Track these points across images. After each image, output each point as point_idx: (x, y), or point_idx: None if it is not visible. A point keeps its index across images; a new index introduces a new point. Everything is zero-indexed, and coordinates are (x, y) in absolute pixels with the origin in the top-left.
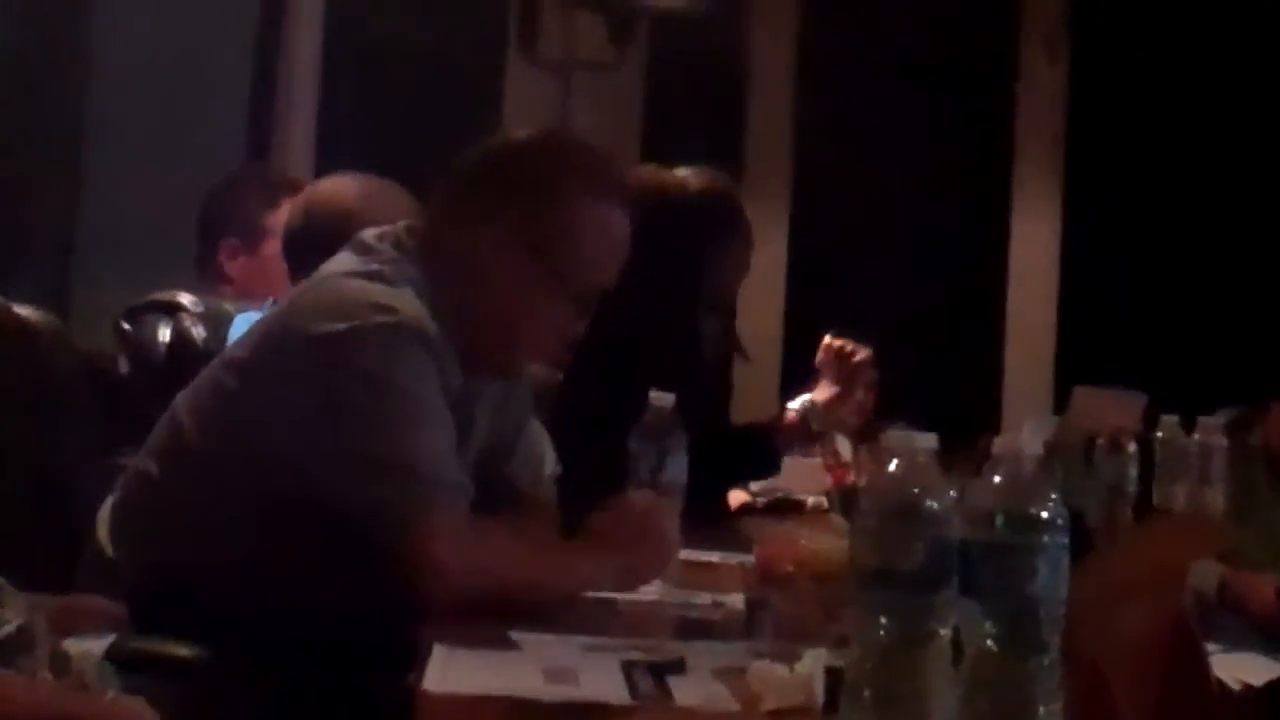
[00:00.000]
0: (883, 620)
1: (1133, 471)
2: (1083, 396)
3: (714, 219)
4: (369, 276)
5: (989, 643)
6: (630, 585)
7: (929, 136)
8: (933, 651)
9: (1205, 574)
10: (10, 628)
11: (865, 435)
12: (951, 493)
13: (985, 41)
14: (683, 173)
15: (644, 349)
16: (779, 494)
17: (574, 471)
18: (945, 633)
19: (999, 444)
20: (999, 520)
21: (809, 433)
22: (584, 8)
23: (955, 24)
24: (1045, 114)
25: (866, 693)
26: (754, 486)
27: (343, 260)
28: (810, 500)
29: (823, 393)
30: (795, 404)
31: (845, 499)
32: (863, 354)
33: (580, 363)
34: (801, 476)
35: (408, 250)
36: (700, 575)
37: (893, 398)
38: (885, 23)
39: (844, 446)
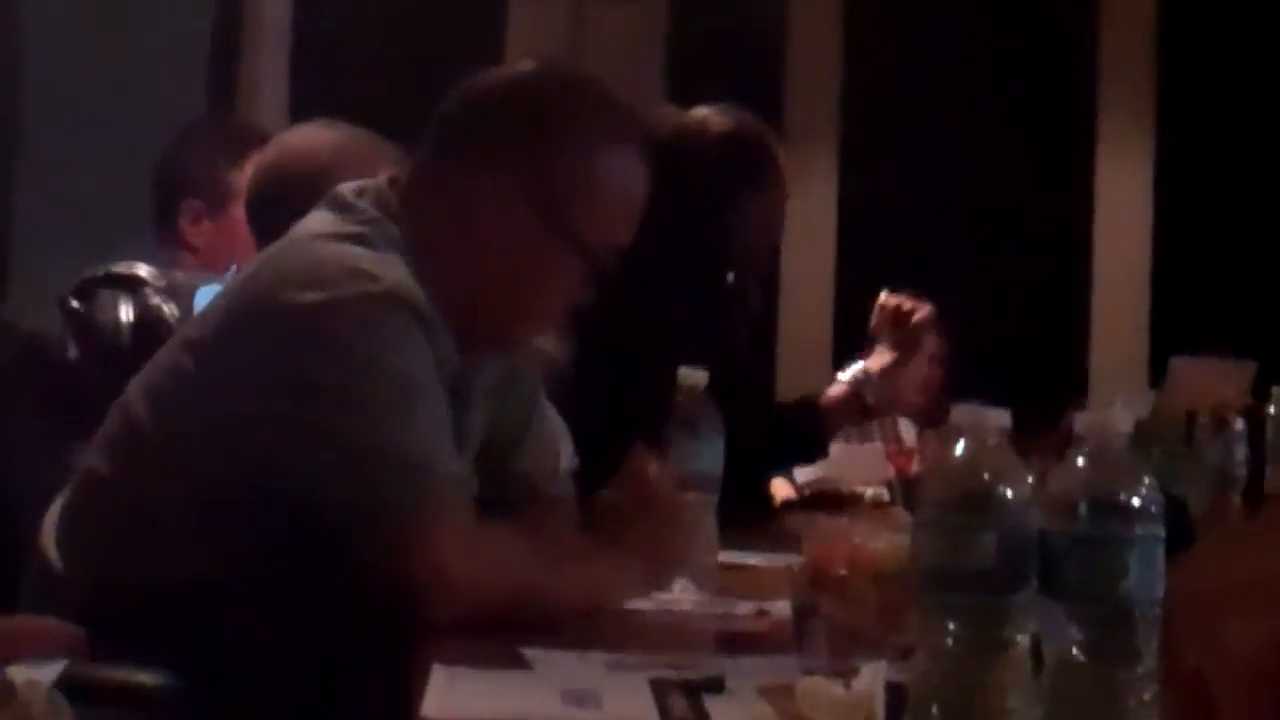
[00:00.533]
0: (951, 626)
1: (1241, 452)
2: (1181, 368)
3: (741, 165)
4: (348, 239)
5: (1074, 651)
6: (651, 586)
7: (1000, 69)
8: (1009, 661)
9: None
10: None
11: (932, 416)
12: (1029, 479)
13: None
14: (703, 113)
15: (667, 319)
16: (830, 485)
17: (596, 464)
18: (1023, 640)
19: (1083, 421)
20: (1084, 509)
21: (863, 409)
22: None
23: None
24: (1132, 47)
25: (934, 710)
26: (800, 476)
27: (317, 219)
28: (868, 492)
29: (878, 360)
30: (846, 374)
31: (908, 490)
32: (924, 312)
33: (594, 338)
34: (857, 464)
35: (391, 207)
36: (740, 580)
37: (965, 372)
38: None
39: (907, 429)
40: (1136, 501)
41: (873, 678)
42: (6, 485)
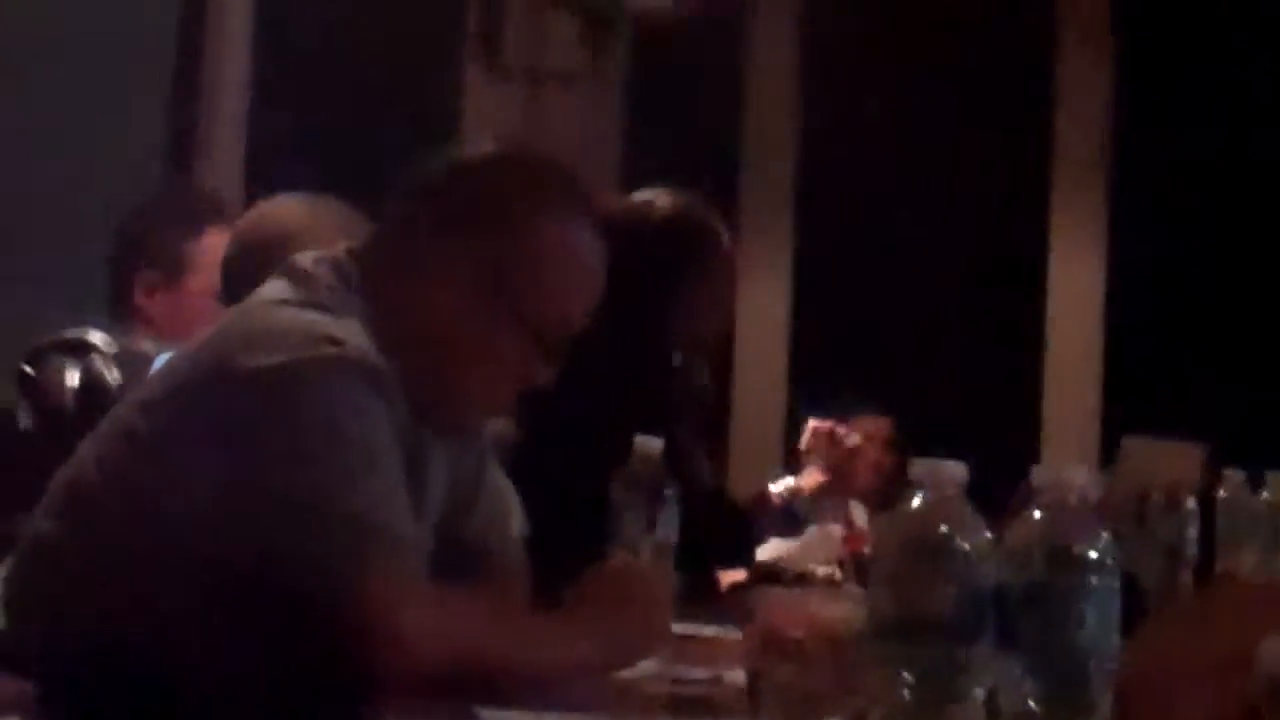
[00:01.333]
0: (907, 678)
1: (1192, 532)
2: (1134, 447)
3: (684, 248)
4: (306, 305)
5: (1030, 703)
6: (619, 662)
7: (956, 151)
8: (965, 714)
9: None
10: None
11: (885, 499)
12: (987, 533)
13: (1020, 43)
14: (649, 194)
15: (610, 397)
16: (782, 564)
17: (546, 531)
18: (980, 692)
19: (1040, 473)
20: (1039, 559)
21: (792, 519)
22: (555, 8)
23: (987, 23)
24: (1087, 124)
25: None
26: (758, 559)
27: (274, 288)
28: (820, 570)
29: (809, 480)
30: (778, 487)
31: (860, 568)
32: (853, 440)
33: (542, 408)
34: (811, 546)
35: (349, 277)
36: (695, 650)
37: (918, 452)
38: (903, 20)
39: (859, 513)
40: (1093, 553)
41: None
42: None
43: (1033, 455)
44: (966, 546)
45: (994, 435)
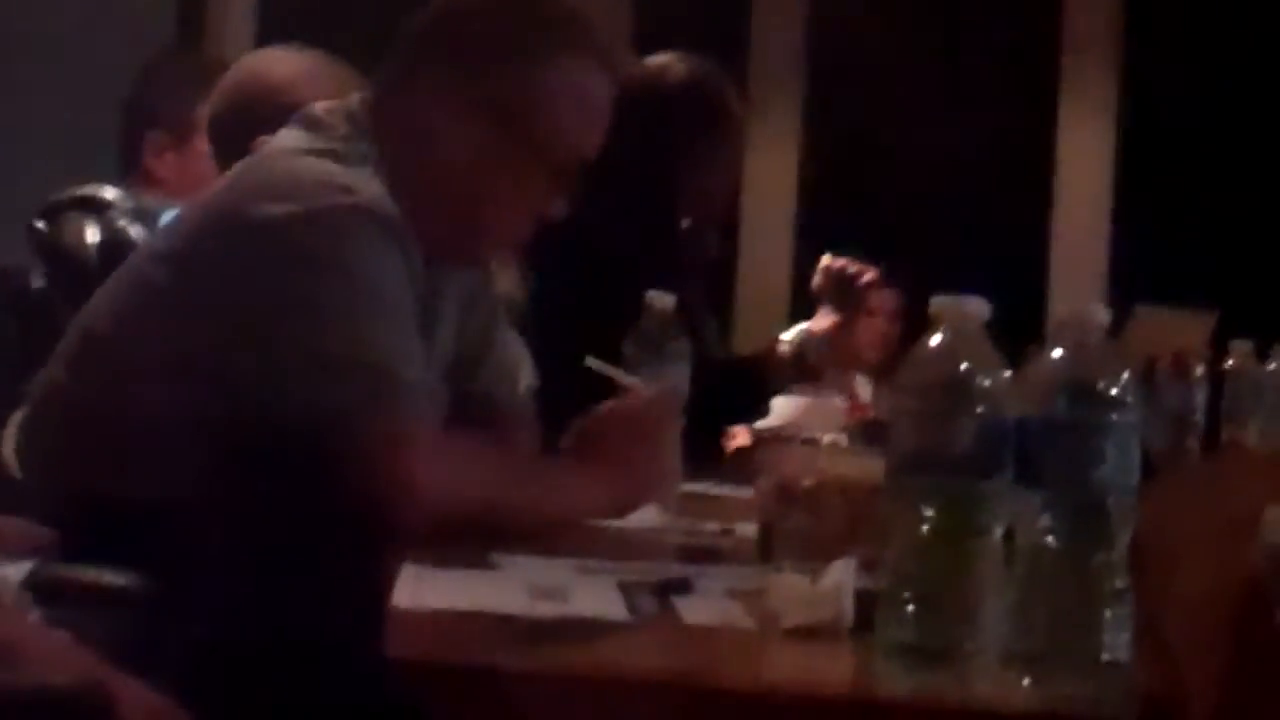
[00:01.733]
0: (926, 513)
1: (1199, 400)
2: (1143, 316)
3: (697, 113)
4: (321, 154)
5: (1048, 538)
6: (626, 506)
7: (965, 17)
8: (983, 549)
9: None
10: None
11: (889, 372)
12: (1006, 371)
13: None
14: (663, 59)
15: (619, 260)
16: (788, 431)
17: (555, 383)
18: (998, 528)
19: (1061, 313)
20: (1061, 396)
21: (805, 368)
22: None
23: None
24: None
25: (906, 598)
26: (759, 426)
27: (288, 136)
28: (826, 438)
29: (821, 322)
30: (789, 334)
31: (868, 432)
32: (869, 275)
33: (554, 262)
34: (814, 415)
35: (362, 125)
36: (704, 506)
37: (923, 326)
38: None
39: (863, 386)
40: (1114, 389)
41: (841, 573)
42: None
43: (1039, 326)
44: (987, 382)
45: (1000, 309)
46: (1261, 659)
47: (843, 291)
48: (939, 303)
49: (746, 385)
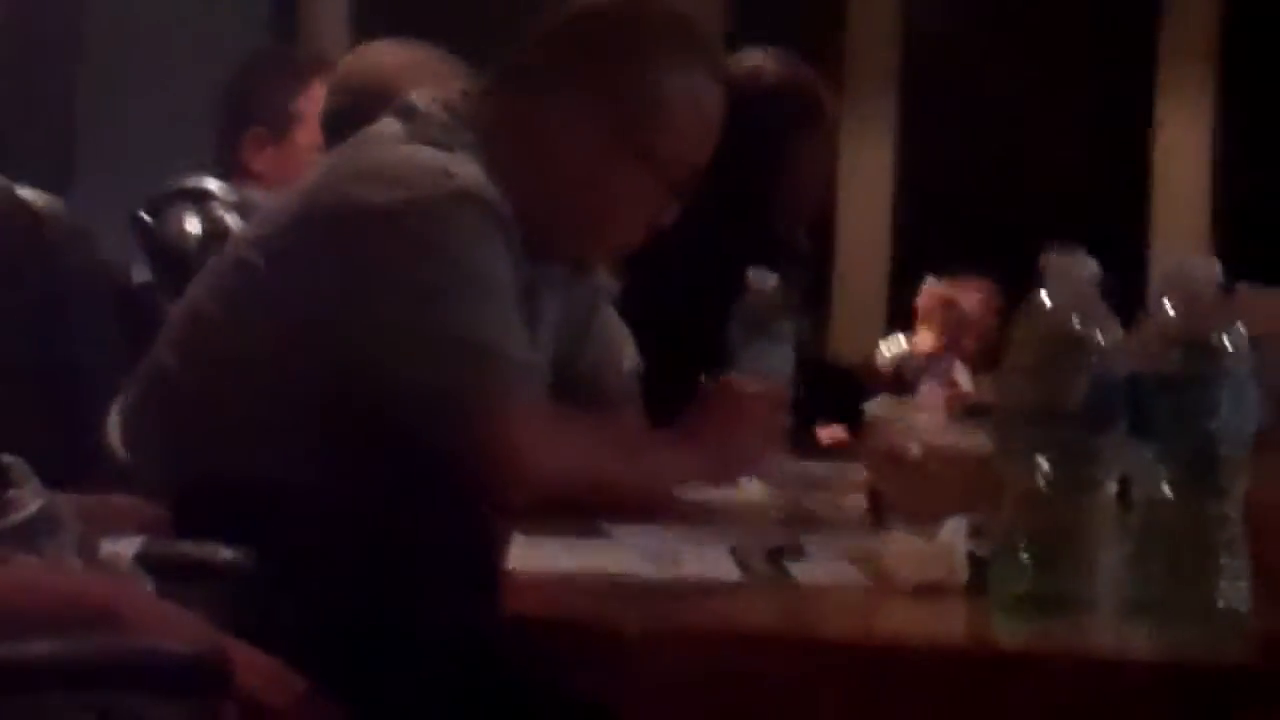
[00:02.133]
0: (1041, 467)
1: None
2: (1246, 295)
3: (791, 114)
4: (420, 141)
5: (1164, 489)
6: (728, 473)
7: (1062, 23)
8: (1098, 503)
9: None
10: (30, 509)
11: (988, 361)
12: (1119, 327)
13: None
14: (758, 59)
15: (710, 265)
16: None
17: (658, 366)
18: (1112, 480)
19: (1171, 268)
20: (1175, 351)
21: (902, 383)
22: None
23: None
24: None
25: (1022, 549)
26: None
27: (387, 125)
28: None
29: (923, 344)
30: (889, 350)
31: (971, 411)
32: (969, 304)
33: (651, 258)
34: (915, 405)
35: (464, 116)
36: (808, 481)
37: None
38: None
39: (963, 374)
40: (1227, 342)
41: (954, 531)
42: (77, 387)
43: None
44: (1100, 337)
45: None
46: None
47: (946, 316)
48: (1049, 260)
49: (844, 389)
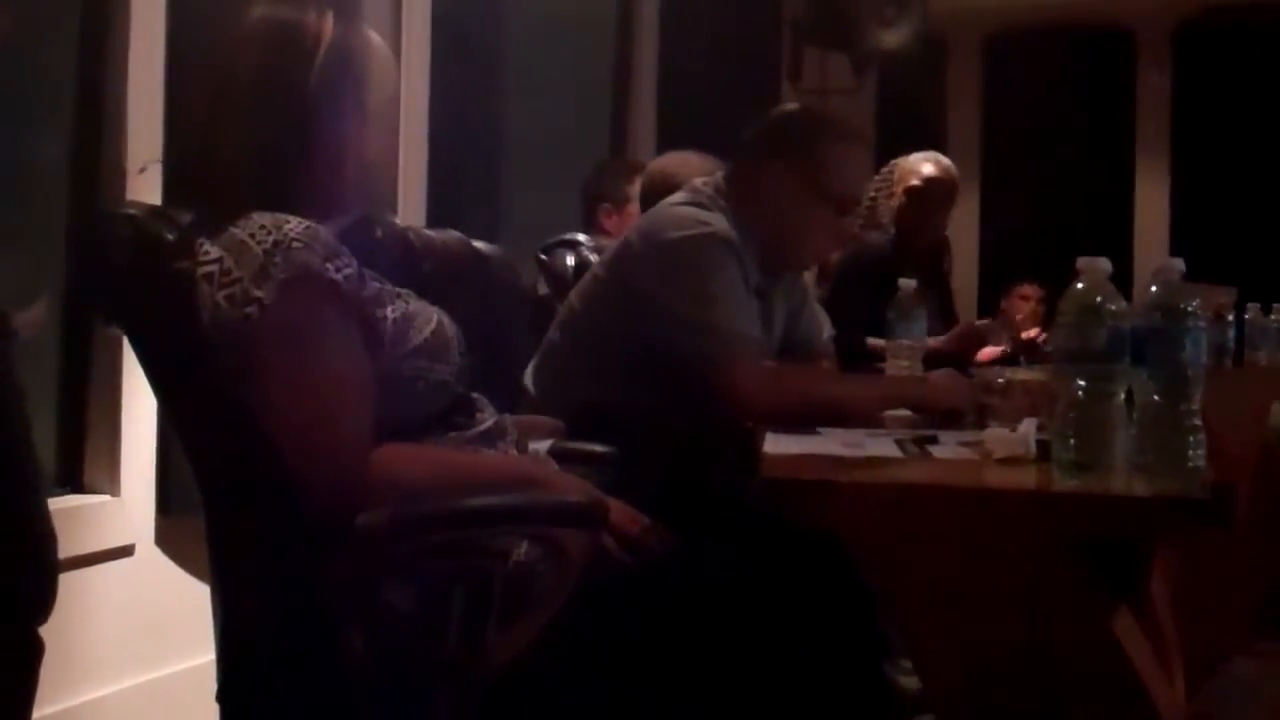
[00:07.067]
0: (1080, 383)
1: (1231, 336)
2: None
3: (937, 198)
4: (695, 206)
5: (1154, 396)
6: (931, 403)
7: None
8: (1114, 405)
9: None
10: (489, 422)
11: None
12: (1124, 300)
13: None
14: (919, 156)
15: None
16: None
17: (843, 334)
18: (1122, 391)
19: (1158, 266)
20: (1158, 312)
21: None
22: (834, 48)
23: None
24: (1157, 113)
25: (1069, 434)
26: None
27: (676, 196)
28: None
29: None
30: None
31: (1027, 349)
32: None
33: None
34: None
35: (721, 190)
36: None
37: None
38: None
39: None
40: (1189, 308)
41: (1028, 426)
42: (508, 358)
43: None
44: (1112, 306)
45: None
46: (1269, 485)
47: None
48: (1082, 262)
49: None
